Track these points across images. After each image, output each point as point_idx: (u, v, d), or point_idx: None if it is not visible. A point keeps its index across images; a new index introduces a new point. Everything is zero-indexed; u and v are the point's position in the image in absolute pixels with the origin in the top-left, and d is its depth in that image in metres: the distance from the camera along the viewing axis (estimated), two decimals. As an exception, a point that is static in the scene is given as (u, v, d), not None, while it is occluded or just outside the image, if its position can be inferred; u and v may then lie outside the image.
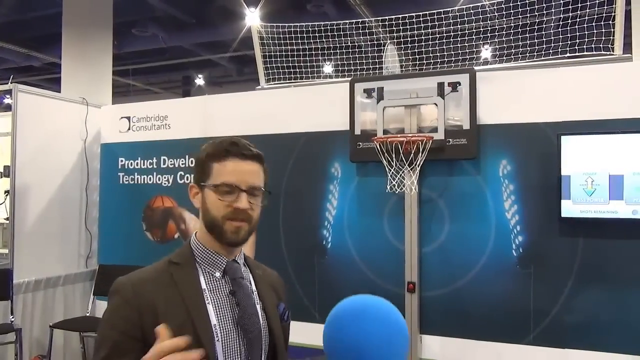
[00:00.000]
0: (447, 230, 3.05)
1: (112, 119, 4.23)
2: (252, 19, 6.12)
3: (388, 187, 3.01)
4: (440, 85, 3.01)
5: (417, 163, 2.94)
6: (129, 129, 4.15)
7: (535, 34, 3.17)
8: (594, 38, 2.91)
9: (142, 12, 7.58)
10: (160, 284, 1.04)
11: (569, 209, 2.75)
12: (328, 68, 4.52)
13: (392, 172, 2.99)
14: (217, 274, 1.12)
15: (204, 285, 1.08)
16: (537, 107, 2.90)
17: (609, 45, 2.90)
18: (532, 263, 2.87)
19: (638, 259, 2.69)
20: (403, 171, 3.00)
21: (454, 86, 3.00)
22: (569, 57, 3.00)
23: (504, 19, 3.30)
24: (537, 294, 2.85)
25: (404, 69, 3.61)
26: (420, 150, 2.91)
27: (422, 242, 3.08)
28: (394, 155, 2.97)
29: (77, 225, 4.12)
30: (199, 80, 12.01)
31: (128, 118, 4.17)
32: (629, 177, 2.67)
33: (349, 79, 3.27)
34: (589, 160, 2.73)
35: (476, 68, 3.03)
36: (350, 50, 3.68)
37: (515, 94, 2.95)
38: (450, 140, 2.97)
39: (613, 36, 2.90)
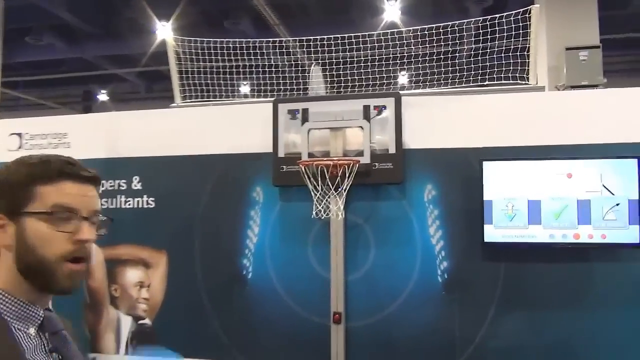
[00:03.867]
0: (373, 257, 3.03)
1: (-1, 135, 3.78)
2: (164, 32, 5.88)
3: (314, 212, 2.94)
4: (366, 108, 3.02)
5: (344, 187, 2.91)
6: (20, 147, 3.72)
7: (456, 61, 3.30)
8: (511, 67, 3.07)
9: (37, 19, 7.02)
10: None
11: (491, 233, 2.83)
12: (245, 88, 4.44)
13: (318, 197, 2.93)
14: (32, 331, 0.91)
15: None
16: (460, 133, 2.98)
17: (524, 75, 3.07)
18: (457, 289, 2.92)
19: (555, 284, 2.82)
20: (329, 196, 2.95)
21: (380, 110, 3.02)
22: (487, 85, 3.14)
23: (424, 46, 3.41)
24: (462, 320, 2.89)
25: (328, 92, 3.60)
26: (347, 174, 2.88)
27: (348, 269, 3.04)
28: (319, 179, 2.91)
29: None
30: (102, 96, 11.35)
31: (19, 135, 3.74)
32: (546, 202, 2.80)
33: (272, 99, 3.20)
34: (510, 185, 2.84)
35: (401, 92, 3.08)
36: (272, 70, 3.62)
37: (439, 119, 3.03)
38: (377, 164, 2.98)
39: (528, 66, 3.07)
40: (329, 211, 2.97)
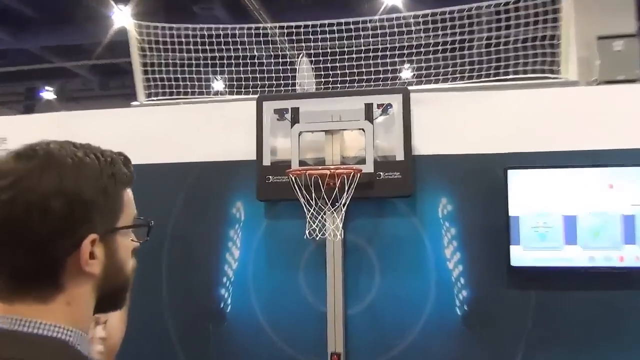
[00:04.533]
0: (378, 286, 3.00)
1: None
2: (122, 18, 5.81)
3: (306, 232, 2.89)
4: (369, 107, 2.99)
5: (342, 202, 2.87)
6: (-53, 154, 3.60)
7: (474, 51, 3.27)
8: (538, 59, 3.05)
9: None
10: None
11: (519, 256, 2.79)
12: (221, 84, 4.42)
13: (312, 214, 2.88)
14: None
15: None
16: (480, 136, 2.97)
17: (554, 68, 3.05)
18: (479, 323, 2.89)
19: (597, 316, 2.78)
20: (325, 212, 2.90)
21: (385, 108, 2.99)
22: (512, 80, 3.13)
23: (434, 34, 3.39)
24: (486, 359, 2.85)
25: (322, 87, 3.58)
26: (346, 186, 2.84)
27: (348, 301, 3.00)
28: (313, 192, 2.86)
29: None
30: (48, 94, 11.22)
31: (-55, 140, 3.62)
32: (584, 218, 2.76)
33: (256, 96, 3.16)
34: (540, 198, 2.81)
35: (410, 88, 3.05)
36: (255, 62, 3.59)
37: (455, 119, 3.01)
38: (381, 173, 2.94)
39: (557, 57, 3.05)
40: (325, 231, 2.93)
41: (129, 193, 0.94)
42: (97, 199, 0.85)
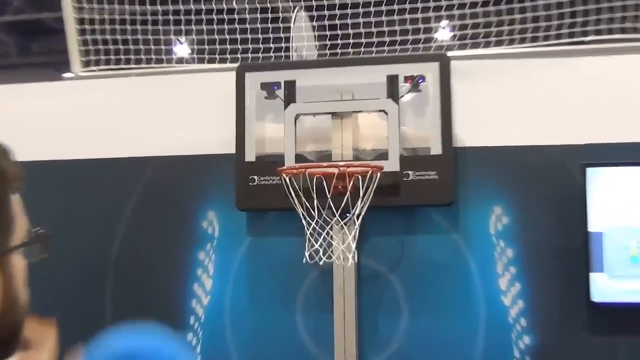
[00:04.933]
0: (405, 330, 3.00)
1: None
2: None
3: (306, 255, 2.87)
4: (392, 81, 2.97)
5: (356, 212, 2.85)
6: None
7: (540, 2, 3.26)
8: (629, 13, 3.05)
9: None
10: None
11: (603, 287, 2.77)
12: (183, 49, 4.44)
13: (314, 229, 2.87)
14: None
15: None
16: (548, 121, 2.96)
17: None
18: (547, 381, 2.88)
19: None
20: (331, 227, 2.89)
21: (415, 83, 2.98)
22: (591, 42, 3.11)
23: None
24: None
25: (327, 53, 3.58)
26: (361, 190, 2.82)
27: (363, 350, 3.01)
28: (315, 199, 2.83)
29: None
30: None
31: None
32: (694, 236, 2.73)
33: (235, 65, 3.16)
34: (632, 207, 2.78)
35: (450, 54, 3.05)
36: (233, 17, 3.58)
37: (513, 98, 3.01)
38: (410, 173, 2.93)
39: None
40: (332, 253, 2.93)
41: (17, 199, 0.92)
42: None
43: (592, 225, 2.79)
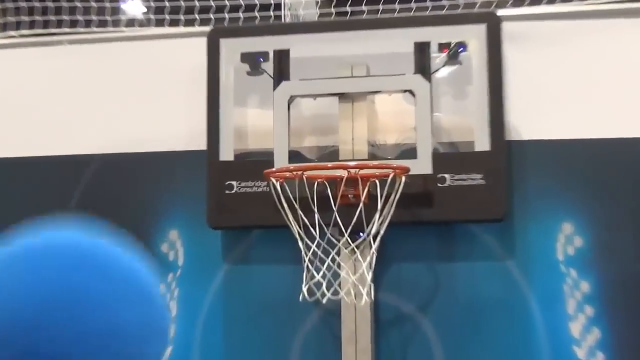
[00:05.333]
0: None
1: None
2: None
3: (303, 288, 2.85)
4: (422, 50, 2.98)
5: (371, 231, 2.84)
6: None
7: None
8: None
9: None
10: None
11: None
12: (135, 6, 4.44)
13: (317, 254, 2.84)
14: None
15: None
16: (637, 105, 2.95)
17: None
18: None
19: None
20: (338, 251, 2.89)
21: (454, 52, 2.99)
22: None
23: None
24: None
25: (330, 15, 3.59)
26: (379, 200, 2.80)
27: None
28: (316, 213, 2.81)
29: None
30: None
31: None
32: None
33: (207, 28, 3.19)
34: None
35: (502, 12, 3.05)
36: None
37: (590, 72, 3.01)
38: (447, 177, 2.93)
39: None
40: (339, 287, 2.91)
41: None
42: None
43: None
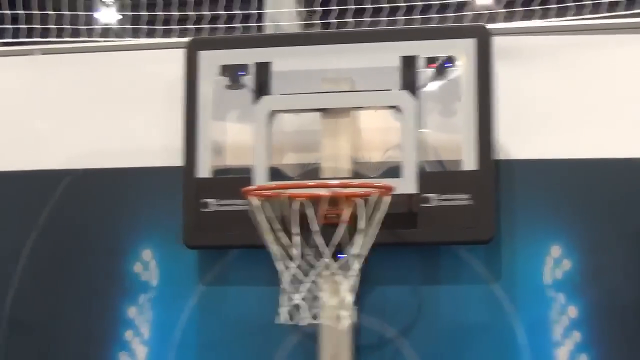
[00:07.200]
0: None
1: None
2: None
3: (281, 311, 2.82)
4: (409, 65, 2.96)
5: (355, 252, 2.80)
6: None
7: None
8: None
9: None
10: None
11: None
12: (109, 15, 4.44)
13: (296, 276, 2.81)
14: None
15: None
16: (632, 123, 2.94)
17: None
18: None
19: None
20: (319, 272, 2.84)
21: (441, 67, 2.97)
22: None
23: None
24: None
25: (312, 26, 3.57)
26: (362, 220, 2.77)
27: None
28: (296, 233, 2.79)
29: None
30: None
31: None
32: None
33: (184, 39, 3.18)
34: None
35: (492, 26, 3.06)
36: None
37: (582, 89, 2.99)
38: (433, 197, 2.91)
39: None
40: (319, 310, 2.86)
41: None
42: None
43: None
